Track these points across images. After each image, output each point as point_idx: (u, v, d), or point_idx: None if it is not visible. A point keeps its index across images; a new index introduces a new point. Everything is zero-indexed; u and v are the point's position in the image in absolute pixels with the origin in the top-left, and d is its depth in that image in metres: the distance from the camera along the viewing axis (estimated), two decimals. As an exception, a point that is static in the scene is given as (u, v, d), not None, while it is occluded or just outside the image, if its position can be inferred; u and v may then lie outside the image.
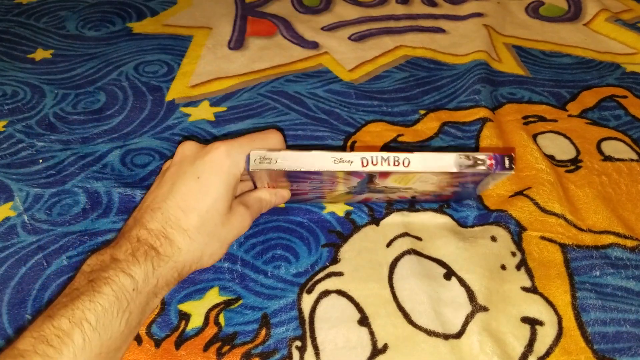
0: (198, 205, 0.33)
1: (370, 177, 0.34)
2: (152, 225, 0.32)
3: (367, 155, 0.32)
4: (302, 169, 0.32)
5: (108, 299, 0.28)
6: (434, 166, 0.32)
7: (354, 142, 0.50)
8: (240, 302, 0.37)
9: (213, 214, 0.34)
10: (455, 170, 0.32)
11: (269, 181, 0.37)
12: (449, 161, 0.32)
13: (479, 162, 0.33)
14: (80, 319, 0.27)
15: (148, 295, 0.31)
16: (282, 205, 0.43)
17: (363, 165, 0.32)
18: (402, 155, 0.32)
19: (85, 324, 0.27)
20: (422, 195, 0.40)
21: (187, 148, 0.36)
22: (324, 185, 0.37)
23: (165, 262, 0.32)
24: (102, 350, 0.27)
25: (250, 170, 0.33)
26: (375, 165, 0.32)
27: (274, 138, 0.37)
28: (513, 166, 0.33)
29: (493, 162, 0.33)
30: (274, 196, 0.39)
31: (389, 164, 0.32)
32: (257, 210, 0.39)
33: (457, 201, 0.43)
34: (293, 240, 0.41)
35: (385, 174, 0.34)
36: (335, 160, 0.32)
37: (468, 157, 0.32)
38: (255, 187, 0.39)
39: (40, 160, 0.47)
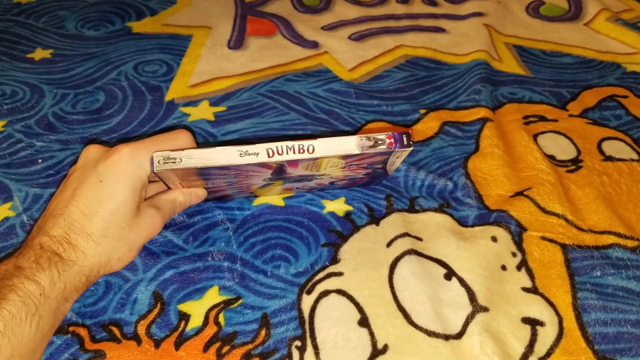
0: (101, 209, 0.33)
1: (281, 167, 0.34)
2: (54, 231, 0.32)
3: (272, 145, 0.33)
4: (207, 166, 0.32)
5: (15, 305, 0.28)
6: (337, 150, 0.33)
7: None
8: (240, 301, 0.37)
9: (118, 217, 0.33)
10: (357, 152, 0.33)
11: (180, 181, 0.36)
12: (351, 144, 0.33)
13: (379, 142, 0.34)
14: None
15: (57, 299, 0.31)
16: (200, 200, 0.40)
17: (269, 156, 0.32)
18: (306, 143, 0.33)
19: None
20: (338, 180, 0.41)
21: (91, 152, 0.35)
22: (240, 180, 0.37)
23: (70, 267, 0.32)
24: (14, 354, 0.28)
25: (155, 171, 0.32)
26: (280, 154, 0.32)
27: (183, 138, 0.36)
28: (411, 143, 0.34)
29: (392, 140, 0.34)
30: (189, 196, 0.39)
31: (294, 152, 0.33)
32: (170, 212, 0.38)
33: (372, 184, 0.44)
34: (293, 240, 0.41)
35: (294, 163, 0.34)
36: (241, 154, 0.32)
37: (369, 139, 0.33)
38: (169, 188, 0.39)
39: (40, 160, 0.47)
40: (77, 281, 0.32)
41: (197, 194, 0.39)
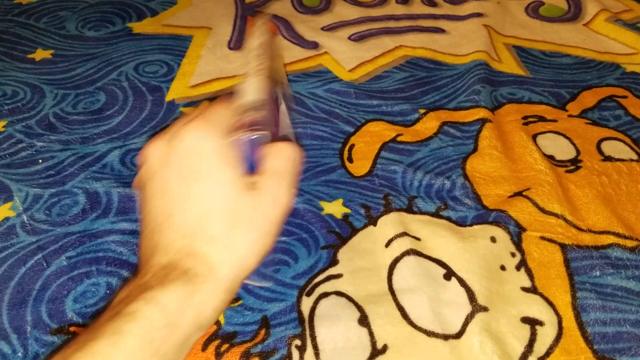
0: (212, 202, 0.26)
1: None
2: (173, 246, 0.26)
3: None
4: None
5: (133, 337, 0.22)
6: None
7: (352, 145, 0.50)
8: (240, 302, 0.37)
9: (233, 202, 0.26)
10: None
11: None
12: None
13: None
14: None
15: (186, 329, 0.24)
16: None
17: None
18: None
19: None
20: None
21: (154, 153, 0.29)
22: None
23: (202, 285, 0.25)
24: None
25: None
26: None
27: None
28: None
29: None
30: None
31: None
32: (291, 168, 0.29)
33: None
34: (292, 242, 0.41)
35: None
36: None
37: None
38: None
39: (40, 161, 0.47)
40: (216, 302, 0.25)
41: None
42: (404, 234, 0.40)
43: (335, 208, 0.43)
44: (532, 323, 0.36)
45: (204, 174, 0.27)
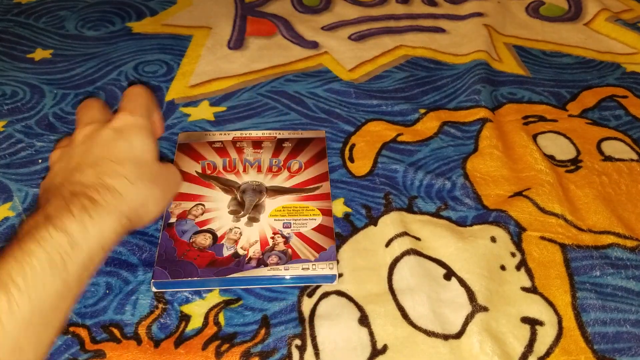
0: (131, 154, 0.32)
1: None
2: (85, 179, 0.30)
3: None
4: None
5: (38, 258, 0.26)
6: None
7: (353, 145, 0.50)
8: (241, 302, 0.37)
9: (148, 161, 0.33)
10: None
11: None
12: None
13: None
14: (5, 282, 0.24)
15: (90, 249, 0.28)
16: None
17: None
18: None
19: (12, 287, 0.24)
20: None
21: (91, 116, 0.35)
22: None
23: (105, 210, 0.29)
24: (34, 311, 0.25)
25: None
26: None
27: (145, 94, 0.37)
28: None
29: None
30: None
31: None
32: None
33: None
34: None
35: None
36: None
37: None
38: None
39: (40, 161, 0.47)
40: (116, 225, 0.30)
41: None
42: (404, 233, 0.40)
43: (336, 207, 0.43)
44: (532, 323, 0.36)
45: (131, 137, 0.33)
